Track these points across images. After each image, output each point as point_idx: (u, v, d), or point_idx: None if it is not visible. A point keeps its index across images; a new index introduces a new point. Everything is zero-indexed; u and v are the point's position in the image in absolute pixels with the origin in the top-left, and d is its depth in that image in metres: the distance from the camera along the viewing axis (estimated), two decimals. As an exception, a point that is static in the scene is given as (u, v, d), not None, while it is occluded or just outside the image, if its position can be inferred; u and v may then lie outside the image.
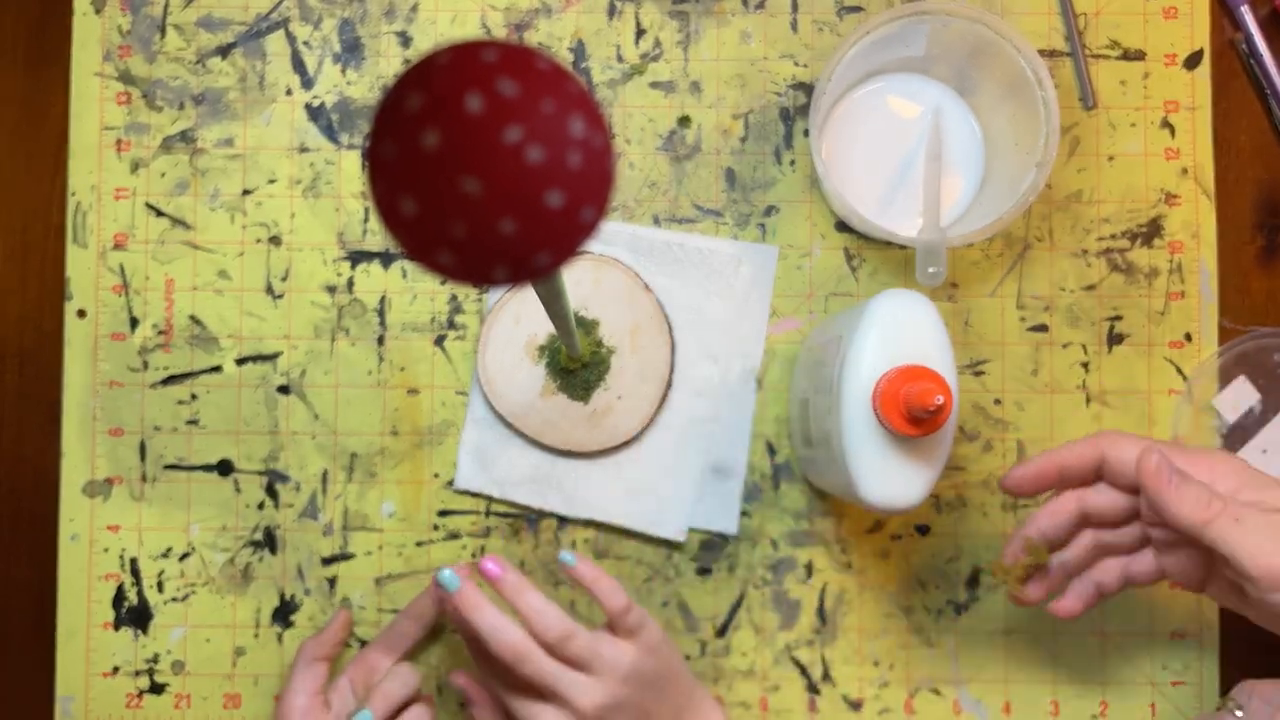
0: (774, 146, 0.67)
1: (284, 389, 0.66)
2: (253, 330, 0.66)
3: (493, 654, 0.55)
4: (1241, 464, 0.52)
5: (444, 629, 0.65)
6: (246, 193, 0.67)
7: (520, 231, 0.30)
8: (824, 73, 0.60)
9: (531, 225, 0.30)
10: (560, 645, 0.55)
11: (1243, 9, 0.66)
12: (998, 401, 0.66)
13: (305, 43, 0.67)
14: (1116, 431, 0.55)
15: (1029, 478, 0.55)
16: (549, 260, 0.31)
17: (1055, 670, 0.65)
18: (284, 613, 0.65)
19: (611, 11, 0.67)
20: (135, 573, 0.66)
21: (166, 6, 0.67)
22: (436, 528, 0.66)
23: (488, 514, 0.66)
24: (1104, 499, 0.55)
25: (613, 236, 0.66)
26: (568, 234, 0.31)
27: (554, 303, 0.44)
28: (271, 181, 0.67)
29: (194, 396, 0.66)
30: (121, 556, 0.66)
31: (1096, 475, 0.55)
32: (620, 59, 0.67)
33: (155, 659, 0.65)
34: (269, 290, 0.66)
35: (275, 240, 0.67)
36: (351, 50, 0.67)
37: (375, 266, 0.66)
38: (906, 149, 0.66)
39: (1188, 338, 0.66)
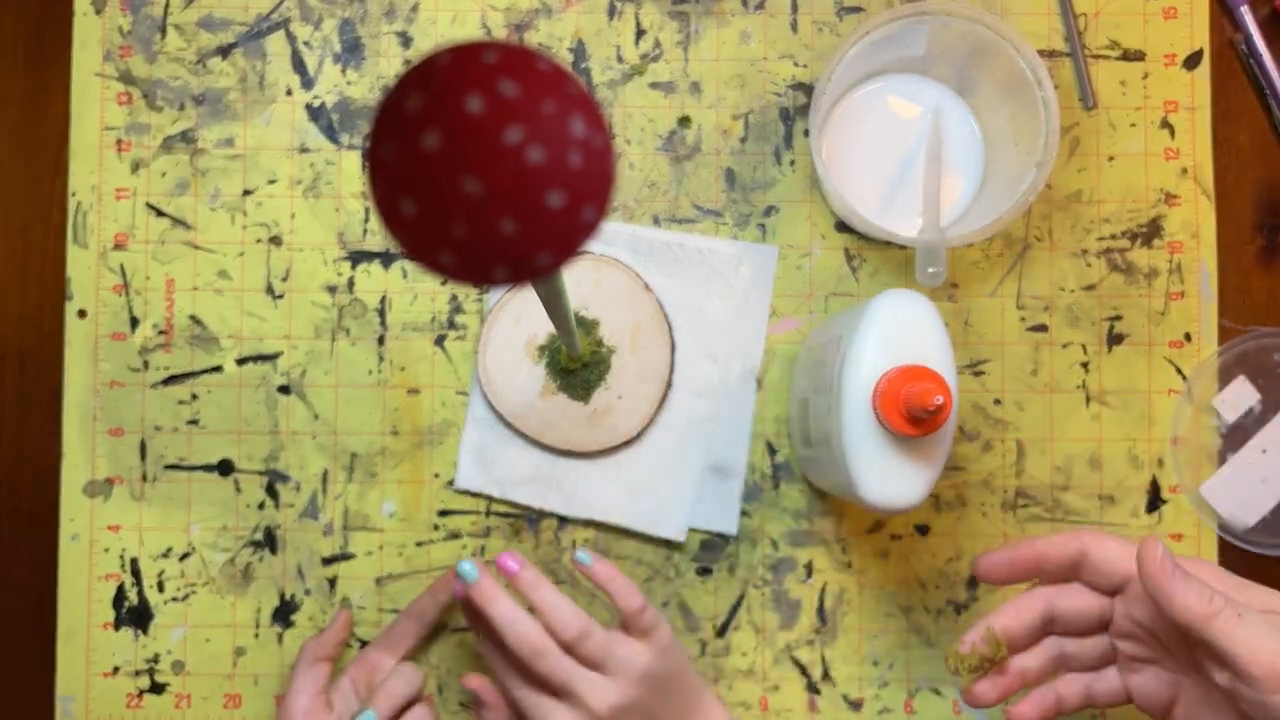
0: (774, 147, 0.67)
1: (284, 389, 0.66)
2: (253, 330, 0.66)
3: (508, 648, 0.55)
4: (1221, 569, 0.51)
5: (445, 627, 0.65)
6: (247, 193, 0.67)
7: (521, 232, 0.30)
8: (824, 73, 0.60)
9: (532, 225, 0.30)
10: (576, 643, 0.55)
11: (1242, 9, 0.66)
12: (998, 401, 0.66)
13: (306, 43, 0.67)
14: (1100, 532, 0.53)
15: (1005, 564, 0.54)
16: (550, 260, 0.31)
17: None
18: (284, 613, 0.66)
19: (611, 12, 0.67)
20: (136, 573, 0.66)
21: (167, 7, 0.67)
22: (437, 528, 0.66)
23: (488, 514, 0.66)
24: (1075, 602, 0.53)
25: (613, 236, 0.66)
26: (569, 234, 0.31)
27: (554, 303, 0.44)
28: (272, 182, 0.67)
29: (194, 396, 0.66)
30: (122, 556, 0.66)
31: (1073, 574, 0.53)
32: (620, 59, 0.67)
33: (155, 659, 0.65)
34: (269, 290, 0.66)
35: (276, 240, 0.67)
36: (352, 50, 0.67)
37: (376, 266, 0.66)
38: (906, 149, 0.66)
39: (1187, 338, 0.66)
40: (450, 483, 0.66)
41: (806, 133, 0.67)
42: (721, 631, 0.66)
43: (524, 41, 0.67)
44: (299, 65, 0.67)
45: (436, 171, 0.30)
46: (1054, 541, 0.53)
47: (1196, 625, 0.47)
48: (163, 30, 0.67)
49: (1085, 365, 0.66)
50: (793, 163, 0.67)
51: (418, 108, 0.30)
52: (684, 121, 0.67)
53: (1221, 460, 0.66)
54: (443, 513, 0.66)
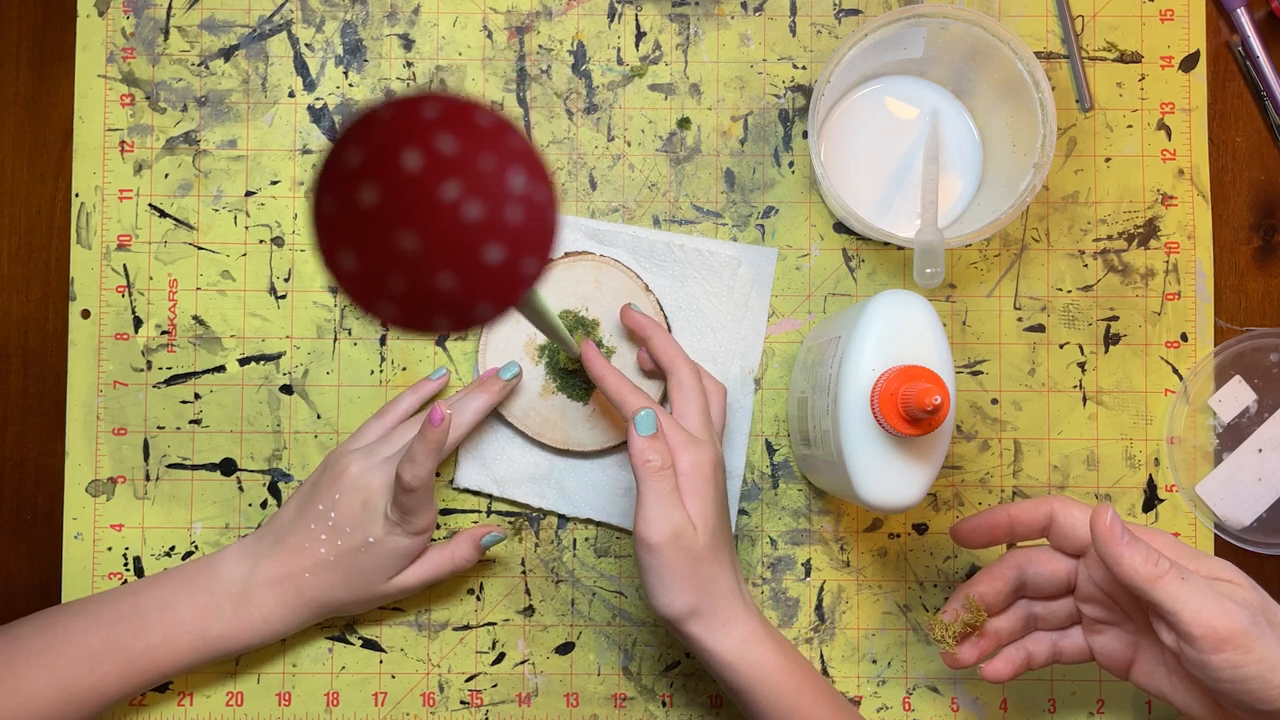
0: (773, 148, 0.67)
1: (286, 389, 0.67)
2: (255, 330, 0.67)
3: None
4: (1177, 540, 0.54)
5: (446, 626, 0.66)
6: (249, 194, 0.67)
7: (459, 285, 0.31)
8: (823, 75, 0.61)
9: (470, 279, 0.31)
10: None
11: (1239, 11, 0.67)
12: (995, 401, 0.67)
13: (308, 45, 0.68)
14: (1068, 498, 0.56)
15: (981, 528, 0.57)
16: (491, 311, 0.32)
17: (1052, 669, 0.66)
18: (286, 611, 0.66)
19: (612, 14, 0.68)
20: (139, 571, 0.66)
21: (170, 9, 0.67)
22: (438, 526, 0.66)
23: (488, 512, 0.67)
24: (1043, 567, 0.56)
25: (613, 238, 0.66)
26: (508, 286, 0.31)
27: (538, 320, 0.44)
28: (274, 182, 0.67)
29: (197, 396, 0.66)
30: (125, 555, 0.66)
31: (1043, 534, 0.57)
32: (620, 61, 0.67)
33: (159, 657, 0.66)
34: (272, 290, 0.67)
35: (278, 241, 0.67)
36: (354, 53, 0.68)
37: (377, 267, 0.67)
38: (904, 151, 0.66)
39: (1184, 338, 0.67)
40: (451, 481, 0.66)
41: (805, 134, 0.67)
42: (721, 630, 0.66)
43: (524, 44, 0.67)
44: (301, 67, 0.67)
45: (374, 226, 0.30)
46: (1024, 506, 0.56)
47: (1142, 586, 0.49)
48: (165, 32, 0.67)
49: (1082, 365, 0.67)
50: (792, 164, 0.67)
51: (357, 162, 0.30)
52: (684, 123, 0.67)
53: (1218, 460, 0.66)
54: (443, 511, 0.66)
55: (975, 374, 0.67)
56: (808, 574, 0.66)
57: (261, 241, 0.67)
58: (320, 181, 0.31)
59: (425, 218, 0.30)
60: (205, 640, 0.59)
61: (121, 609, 0.59)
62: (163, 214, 0.67)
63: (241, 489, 0.66)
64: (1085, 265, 0.67)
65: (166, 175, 0.67)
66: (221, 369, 0.67)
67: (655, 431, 0.56)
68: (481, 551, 0.63)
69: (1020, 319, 0.67)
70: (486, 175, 0.30)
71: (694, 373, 0.60)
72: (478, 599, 0.66)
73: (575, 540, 0.66)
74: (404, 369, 0.66)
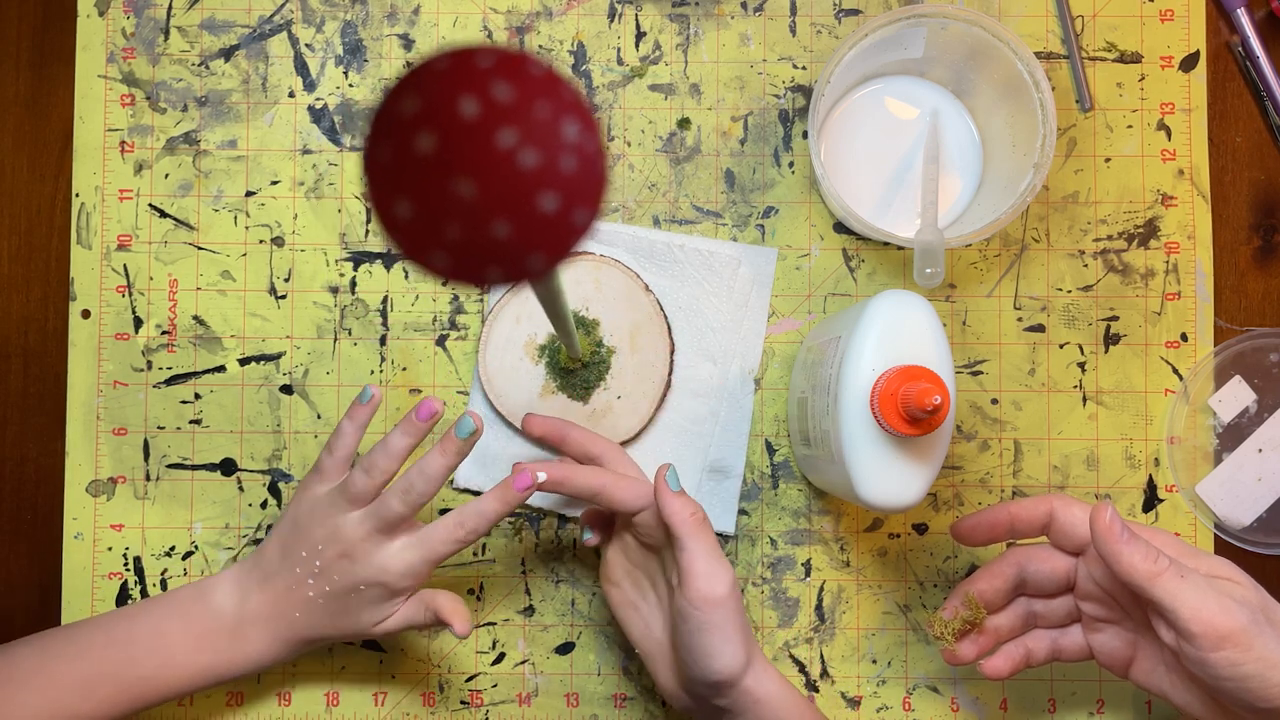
0: (773, 148, 0.67)
1: (287, 389, 0.67)
2: (256, 330, 0.67)
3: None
4: (1177, 538, 0.54)
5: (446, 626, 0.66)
6: (249, 194, 0.67)
7: (514, 234, 0.31)
8: (822, 75, 0.61)
9: (525, 228, 0.31)
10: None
11: (1239, 11, 0.67)
12: (995, 401, 0.67)
13: (308, 45, 0.68)
14: (1068, 496, 0.57)
15: (981, 526, 0.57)
16: (543, 262, 0.32)
17: (1051, 669, 0.66)
18: (286, 611, 0.66)
19: (612, 14, 0.68)
20: (139, 571, 0.66)
21: (170, 9, 0.67)
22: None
23: (490, 530, 0.66)
24: (1043, 564, 0.56)
25: (613, 238, 0.66)
26: (561, 236, 0.32)
27: (552, 303, 0.44)
28: (274, 183, 0.67)
29: (197, 396, 0.67)
30: (125, 555, 0.66)
31: (1042, 532, 0.57)
32: (621, 61, 0.68)
33: (159, 657, 0.66)
34: (272, 291, 0.67)
35: (278, 241, 0.67)
36: (354, 53, 0.68)
37: (378, 267, 0.67)
38: (904, 151, 0.66)
39: (1184, 338, 0.67)
40: (451, 481, 0.66)
41: (805, 134, 0.67)
42: (721, 630, 0.66)
43: (524, 44, 0.67)
44: (301, 67, 0.67)
45: (431, 174, 0.30)
46: (1024, 504, 0.56)
47: (1141, 583, 0.50)
48: (166, 32, 0.67)
49: (1082, 365, 0.67)
50: (792, 164, 0.67)
51: (413, 110, 0.30)
52: (684, 123, 0.67)
53: (1218, 460, 0.66)
54: (444, 511, 0.66)
55: (975, 374, 0.67)
56: (808, 574, 0.66)
57: (261, 241, 0.67)
58: (374, 131, 0.31)
59: (482, 165, 0.30)
60: (198, 670, 0.59)
61: (115, 634, 0.59)
62: (163, 214, 0.67)
63: (241, 489, 0.66)
64: (1085, 265, 0.67)
65: (166, 175, 0.67)
66: (221, 369, 0.67)
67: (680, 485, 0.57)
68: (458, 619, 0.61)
69: (1020, 319, 0.67)
70: (542, 123, 0.30)
71: (619, 447, 0.62)
72: (478, 599, 0.66)
73: (575, 540, 0.66)
74: (404, 369, 0.67)
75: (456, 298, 0.67)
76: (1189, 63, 0.67)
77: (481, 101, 0.30)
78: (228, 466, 0.66)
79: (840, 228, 0.67)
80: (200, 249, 0.67)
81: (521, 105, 0.30)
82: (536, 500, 0.66)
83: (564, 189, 0.31)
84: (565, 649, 0.66)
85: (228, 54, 0.67)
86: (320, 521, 0.58)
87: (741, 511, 0.66)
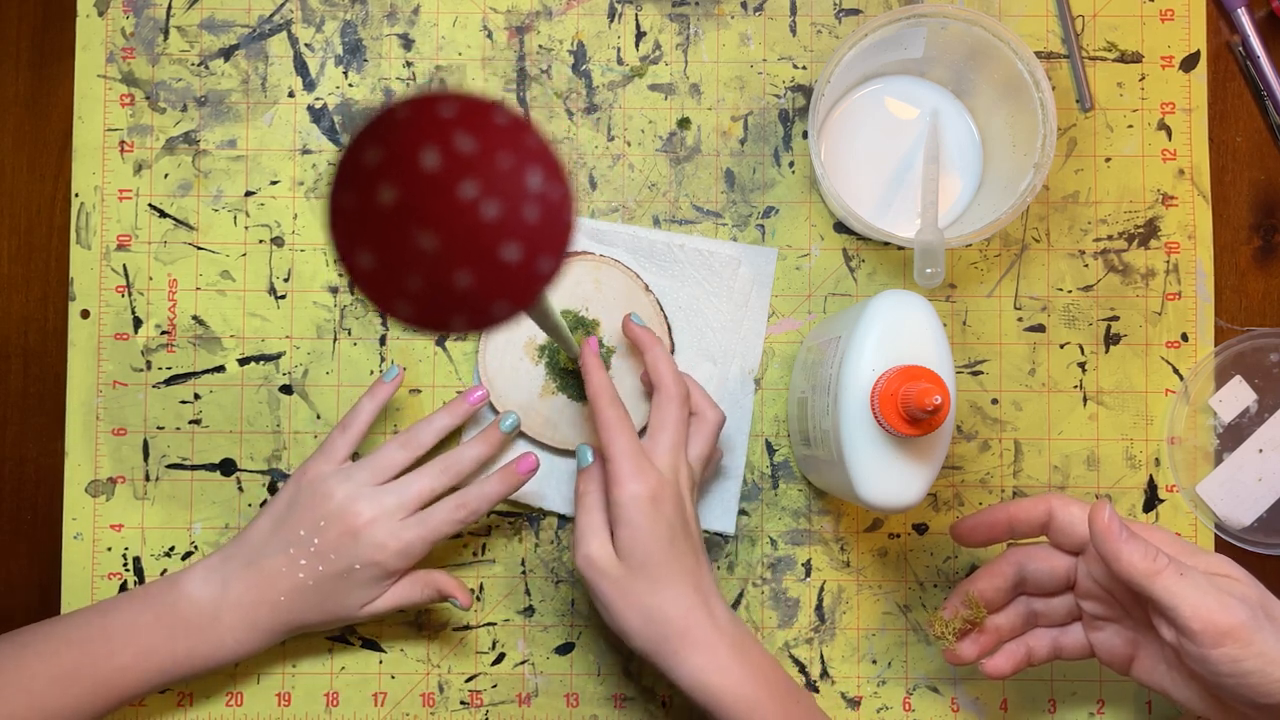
0: (773, 148, 0.67)
1: (286, 389, 0.67)
2: (255, 330, 0.67)
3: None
4: (1176, 536, 0.54)
5: (446, 626, 0.66)
6: (249, 194, 0.67)
7: (477, 284, 0.31)
8: (823, 75, 0.61)
9: (488, 277, 0.31)
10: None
11: (1239, 11, 0.67)
12: (995, 401, 0.67)
13: (307, 45, 0.68)
14: (1067, 495, 0.57)
15: (981, 526, 0.57)
16: (507, 309, 0.32)
17: (1052, 669, 0.66)
18: (286, 611, 0.66)
19: (612, 14, 0.68)
20: (138, 571, 0.66)
21: (169, 9, 0.67)
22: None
23: (489, 513, 0.66)
24: (1043, 563, 0.57)
25: (613, 237, 0.66)
26: (525, 284, 0.31)
27: (543, 321, 0.44)
28: (274, 182, 0.67)
29: (197, 396, 0.66)
30: (125, 555, 0.66)
31: (1042, 531, 0.57)
32: (621, 61, 0.67)
33: (158, 657, 0.65)
34: (271, 290, 0.67)
35: (278, 241, 0.67)
36: (353, 52, 0.68)
37: (377, 267, 0.67)
38: (905, 150, 0.66)
39: (1184, 338, 0.67)
40: (451, 482, 0.66)
41: (805, 134, 0.67)
42: (721, 630, 0.66)
43: (524, 44, 0.67)
44: (301, 67, 0.67)
45: (392, 225, 0.30)
46: (1023, 504, 0.56)
47: (1141, 581, 0.50)
48: (165, 32, 0.67)
49: (1082, 365, 0.67)
50: (792, 164, 0.67)
51: (375, 161, 0.30)
52: (684, 123, 0.67)
53: (1218, 460, 0.66)
54: (444, 512, 0.66)
55: (975, 374, 0.67)
56: (808, 574, 0.66)
57: (261, 241, 0.67)
58: (336, 181, 0.31)
59: (443, 216, 0.30)
60: (175, 661, 0.59)
61: (90, 629, 0.59)
62: (162, 214, 0.67)
63: (241, 489, 0.66)
64: (1085, 265, 0.67)
65: (166, 175, 0.67)
66: (221, 369, 0.67)
67: (591, 464, 0.58)
68: (458, 591, 0.62)
69: (1020, 319, 0.67)
70: (504, 174, 0.30)
71: (677, 397, 0.58)
72: (478, 599, 0.66)
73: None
74: (404, 369, 0.66)
75: (456, 298, 0.67)
76: (1189, 63, 0.67)
77: (443, 153, 0.30)
78: (227, 467, 0.66)
79: (840, 228, 0.67)
80: (200, 249, 0.67)
81: (483, 156, 0.30)
82: (536, 501, 0.66)
83: (526, 238, 0.31)
84: (565, 649, 0.66)
85: (227, 54, 0.67)
86: (326, 498, 0.59)
87: (741, 512, 0.66)
